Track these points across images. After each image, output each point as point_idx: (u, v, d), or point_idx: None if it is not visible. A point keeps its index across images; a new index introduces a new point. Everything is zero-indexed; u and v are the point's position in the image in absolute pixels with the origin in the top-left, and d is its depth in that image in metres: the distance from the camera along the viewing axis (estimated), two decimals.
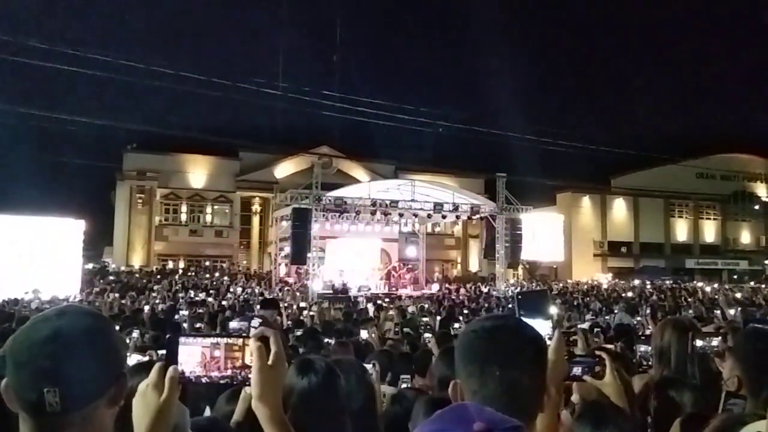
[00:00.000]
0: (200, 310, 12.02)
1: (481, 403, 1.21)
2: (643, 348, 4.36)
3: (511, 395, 1.27)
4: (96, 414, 1.21)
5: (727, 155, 49.57)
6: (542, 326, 3.12)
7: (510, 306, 20.49)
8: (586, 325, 8.42)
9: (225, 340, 1.20)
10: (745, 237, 52.43)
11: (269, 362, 1.24)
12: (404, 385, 3.89)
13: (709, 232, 51.86)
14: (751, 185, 51.87)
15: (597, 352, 2.12)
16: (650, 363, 3.77)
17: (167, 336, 1.47)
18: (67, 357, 1.18)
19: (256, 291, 23.25)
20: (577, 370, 2.03)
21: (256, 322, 4.88)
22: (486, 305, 18.61)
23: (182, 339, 1.21)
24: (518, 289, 26.77)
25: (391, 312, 11.72)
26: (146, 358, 2.78)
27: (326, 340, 6.00)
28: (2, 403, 1.22)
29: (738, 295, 24.32)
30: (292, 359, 1.80)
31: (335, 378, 1.80)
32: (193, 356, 1.17)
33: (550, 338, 1.79)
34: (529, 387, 1.30)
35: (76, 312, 1.29)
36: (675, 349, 2.88)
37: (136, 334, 5.97)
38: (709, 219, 51.93)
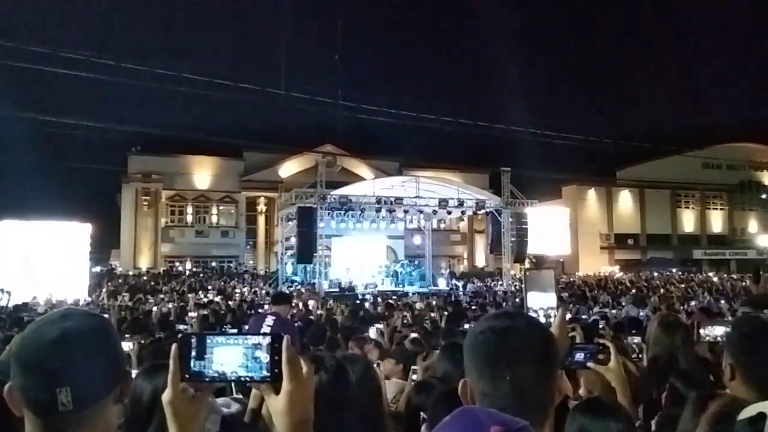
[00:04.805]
0: (206, 312, 12.01)
1: (492, 404, 1.21)
2: (636, 340, 4.28)
3: (522, 395, 1.25)
4: (104, 411, 1.27)
5: (732, 144, 49.20)
6: (548, 300, 3.14)
7: (517, 300, 20.50)
8: (590, 319, 8.42)
9: (267, 339, 1.18)
10: (753, 226, 52.12)
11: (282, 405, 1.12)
12: (414, 377, 3.92)
13: (716, 222, 51.59)
14: (757, 174, 51.56)
15: (600, 341, 2.12)
16: (640, 356, 3.76)
17: (179, 336, 1.45)
18: (77, 357, 1.22)
19: (266, 293, 23.14)
20: (579, 357, 2.01)
21: (270, 320, 4.86)
22: (493, 300, 18.60)
23: (219, 339, 1.19)
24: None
25: (406, 314, 11.72)
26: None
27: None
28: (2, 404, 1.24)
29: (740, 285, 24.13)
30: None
31: (346, 374, 1.79)
32: (236, 357, 1.16)
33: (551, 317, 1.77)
34: (540, 385, 1.28)
35: (80, 314, 1.34)
36: (666, 345, 2.88)
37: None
38: (716, 209, 51.66)
